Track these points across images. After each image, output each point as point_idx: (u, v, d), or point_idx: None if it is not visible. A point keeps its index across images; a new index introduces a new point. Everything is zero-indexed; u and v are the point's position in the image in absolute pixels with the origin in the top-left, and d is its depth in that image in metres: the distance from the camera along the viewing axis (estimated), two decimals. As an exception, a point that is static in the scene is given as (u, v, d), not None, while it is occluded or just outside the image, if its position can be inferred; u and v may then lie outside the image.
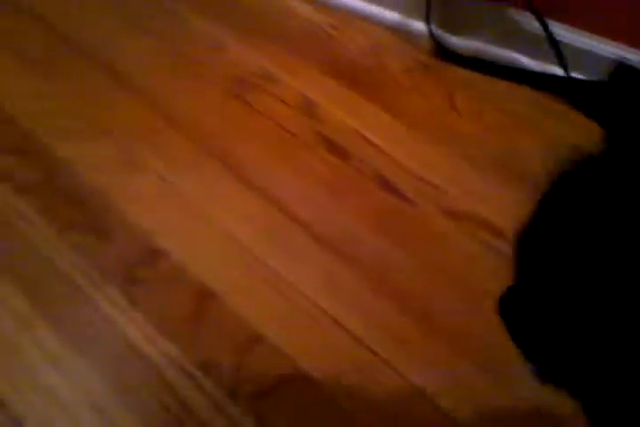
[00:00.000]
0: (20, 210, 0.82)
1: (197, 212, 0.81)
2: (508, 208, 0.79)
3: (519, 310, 0.42)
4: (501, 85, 1.00)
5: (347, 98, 0.99)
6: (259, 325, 0.70)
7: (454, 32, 1.07)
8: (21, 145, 0.89)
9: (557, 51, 0.96)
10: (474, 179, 0.88)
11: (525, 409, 0.65)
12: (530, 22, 0.97)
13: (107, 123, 0.93)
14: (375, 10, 1.12)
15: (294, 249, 0.77)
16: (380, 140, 0.92)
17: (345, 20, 1.11)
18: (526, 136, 0.94)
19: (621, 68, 0.41)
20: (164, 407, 0.65)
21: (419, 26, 1.08)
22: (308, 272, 0.74)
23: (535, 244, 0.40)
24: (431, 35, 1.06)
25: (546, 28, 0.96)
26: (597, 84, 0.90)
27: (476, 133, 0.94)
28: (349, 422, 0.65)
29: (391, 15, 1.11)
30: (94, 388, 0.66)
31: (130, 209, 0.81)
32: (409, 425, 0.65)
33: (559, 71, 0.97)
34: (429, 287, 0.75)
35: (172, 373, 0.67)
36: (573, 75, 0.97)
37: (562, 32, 0.97)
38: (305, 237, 0.78)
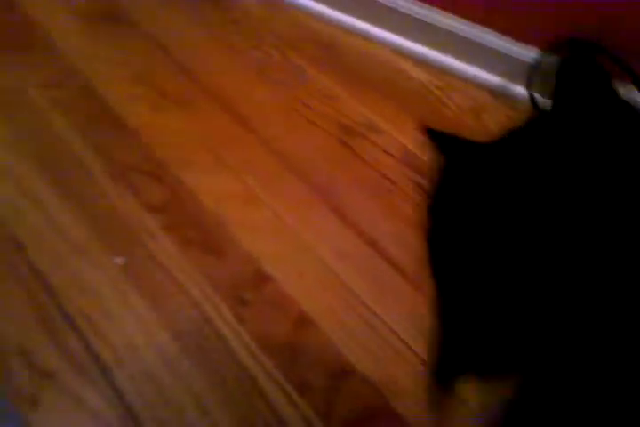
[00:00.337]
0: (147, 225, 0.94)
1: (303, 246, 0.91)
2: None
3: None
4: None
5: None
6: (351, 356, 0.77)
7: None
8: (155, 170, 1.03)
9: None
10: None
11: None
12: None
13: (229, 159, 1.05)
14: (478, 72, 1.21)
15: (389, 289, 0.85)
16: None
17: (449, 81, 1.21)
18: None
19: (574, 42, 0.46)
20: (255, 411, 0.73)
21: (520, 90, 1.15)
22: (401, 313, 0.81)
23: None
24: (532, 99, 1.13)
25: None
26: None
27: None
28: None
29: (493, 78, 1.19)
30: (197, 384, 0.75)
31: (244, 237, 0.92)
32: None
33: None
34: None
35: (269, 386, 0.75)
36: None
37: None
38: (399, 278, 0.86)
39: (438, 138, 0.46)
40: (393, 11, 1.25)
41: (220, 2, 1.38)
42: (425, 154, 1.06)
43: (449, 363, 0.46)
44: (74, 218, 0.95)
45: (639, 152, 0.41)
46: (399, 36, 1.27)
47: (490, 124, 1.13)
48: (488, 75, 1.19)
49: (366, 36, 1.30)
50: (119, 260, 0.90)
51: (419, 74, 1.23)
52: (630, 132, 0.42)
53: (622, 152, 0.41)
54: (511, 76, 1.17)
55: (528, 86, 1.13)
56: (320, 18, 1.34)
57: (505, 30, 1.15)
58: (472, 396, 0.56)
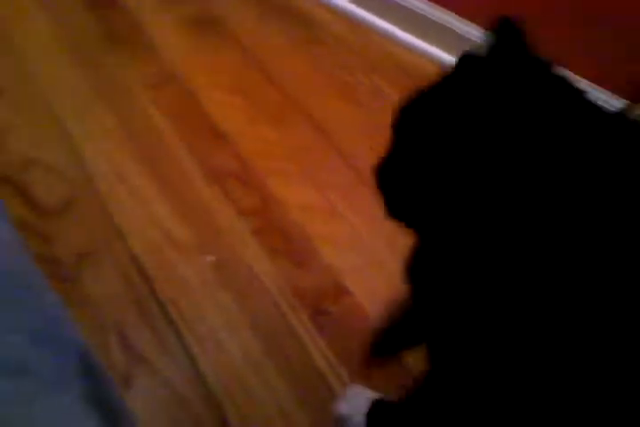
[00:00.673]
0: (238, 228, 1.02)
1: (380, 262, 0.97)
2: None
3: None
4: None
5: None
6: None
7: None
8: (246, 177, 1.10)
9: None
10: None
11: None
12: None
13: (312, 173, 1.12)
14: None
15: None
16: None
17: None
18: None
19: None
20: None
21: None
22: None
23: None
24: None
25: None
26: None
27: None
28: None
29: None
30: (281, 388, 0.82)
31: (325, 249, 0.99)
32: None
33: None
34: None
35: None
36: None
37: None
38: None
39: None
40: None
41: (312, 23, 1.45)
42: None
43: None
44: (171, 212, 1.03)
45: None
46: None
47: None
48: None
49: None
50: (210, 258, 0.98)
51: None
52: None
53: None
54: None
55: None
56: (407, 46, 1.41)
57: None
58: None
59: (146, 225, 1.01)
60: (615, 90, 1.14)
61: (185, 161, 1.12)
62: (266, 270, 0.96)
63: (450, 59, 1.35)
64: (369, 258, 0.99)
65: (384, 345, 0.80)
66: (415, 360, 0.83)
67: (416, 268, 0.59)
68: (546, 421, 0.46)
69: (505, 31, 0.51)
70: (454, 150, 0.48)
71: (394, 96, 1.30)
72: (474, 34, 1.29)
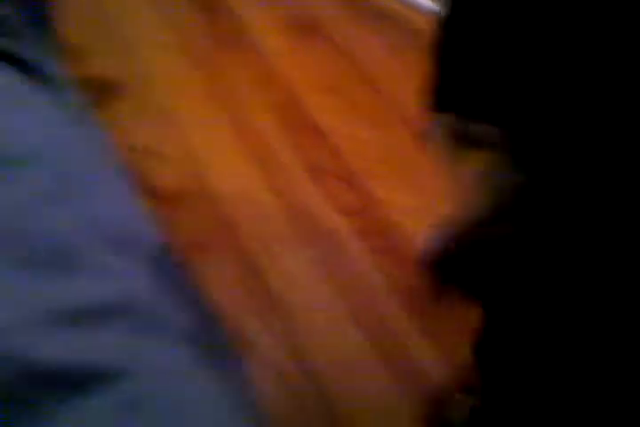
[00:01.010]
0: (339, 226, 1.06)
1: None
2: None
3: None
4: None
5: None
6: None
7: None
8: (348, 177, 1.14)
9: None
10: None
11: None
12: None
13: (408, 174, 1.15)
14: None
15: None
16: None
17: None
18: None
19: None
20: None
21: None
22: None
23: None
24: None
25: None
26: None
27: None
28: None
29: None
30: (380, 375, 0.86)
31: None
32: None
33: None
34: None
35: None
36: None
37: None
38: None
39: None
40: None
41: (408, 27, 1.48)
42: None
43: None
44: (275, 208, 1.08)
45: None
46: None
47: None
48: None
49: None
50: (311, 252, 1.02)
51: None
52: None
53: None
54: None
55: None
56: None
57: None
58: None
59: (254, 217, 1.07)
60: None
61: (288, 158, 1.17)
62: (367, 267, 1.00)
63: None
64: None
65: None
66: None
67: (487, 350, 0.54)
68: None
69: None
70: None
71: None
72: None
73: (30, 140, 0.49)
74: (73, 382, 0.34)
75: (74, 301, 0.37)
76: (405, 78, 1.36)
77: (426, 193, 1.12)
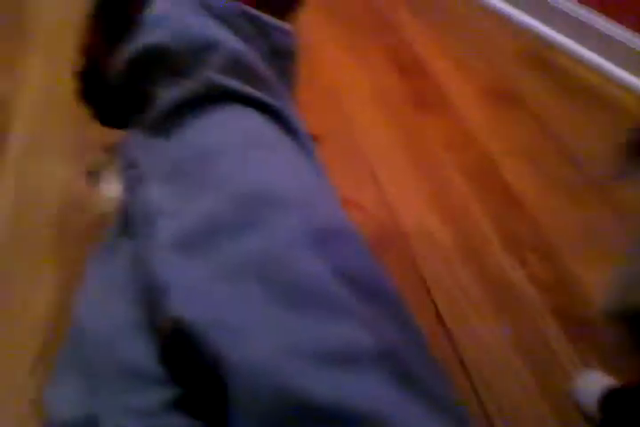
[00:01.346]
0: (535, 302, 1.03)
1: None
2: None
3: None
4: None
5: None
6: None
7: None
8: (545, 249, 1.12)
9: None
10: None
11: None
12: None
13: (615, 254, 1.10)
14: None
15: None
16: None
17: None
18: None
19: None
20: None
21: None
22: None
23: None
24: None
25: None
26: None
27: None
28: None
29: None
30: None
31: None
32: None
33: None
34: None
35: None
36: None
37: None
38: None
39: None
40: None
41: (614, 106, 1.45)
42: None
43: None
44: (473, 277, 1.08)
45: None
46: None
47: None
48: None
49: None
50: (507, 329, 1.00)
51: None
52: None
53: None
54: None
55: None
56: None
57: None
58: None
59: (446, 279, 1.07)
60: None
61: (483, 224, 1.17)
62: (563, 351, 0.96)
63: None
64: None
65: None
66: None
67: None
68: None
69: None
70: None
71: None
72: None
73: (288, 185, 0.52)
74: (340, 422, 0.34)
75: (339, 343, 0.38)
76: (608, 158, 1.33)
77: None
